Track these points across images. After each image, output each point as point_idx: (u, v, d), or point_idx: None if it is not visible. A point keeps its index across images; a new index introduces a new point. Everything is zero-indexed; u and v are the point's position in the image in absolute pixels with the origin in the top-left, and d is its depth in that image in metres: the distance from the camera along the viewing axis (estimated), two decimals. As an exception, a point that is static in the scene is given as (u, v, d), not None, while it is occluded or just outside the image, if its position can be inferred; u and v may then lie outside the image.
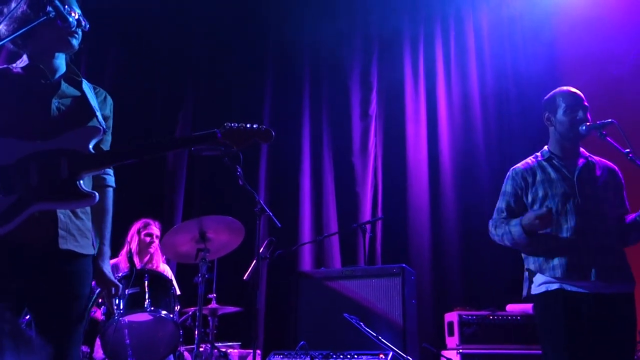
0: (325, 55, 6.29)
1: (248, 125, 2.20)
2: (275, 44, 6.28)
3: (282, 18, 5.95)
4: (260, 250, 4.02)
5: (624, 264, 2.86)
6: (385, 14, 6.26)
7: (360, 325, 3.81)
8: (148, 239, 4.55)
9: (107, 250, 2.21)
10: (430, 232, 5.60)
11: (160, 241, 4.49)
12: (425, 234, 5.60)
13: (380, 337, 3.72)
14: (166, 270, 4.62)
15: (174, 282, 4.39)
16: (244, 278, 4.08)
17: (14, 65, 2.18)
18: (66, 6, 2.10)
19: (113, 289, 2.18)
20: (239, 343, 4.70)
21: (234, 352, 4.50)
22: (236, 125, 2.19)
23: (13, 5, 2.08)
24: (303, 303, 4.28)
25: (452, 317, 4.48)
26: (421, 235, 5.60)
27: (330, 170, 6.00)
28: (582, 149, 3.08)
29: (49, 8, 2.00)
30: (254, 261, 3.99)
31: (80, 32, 2.17)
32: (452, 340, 4.46)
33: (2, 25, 2.06)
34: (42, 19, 2.00)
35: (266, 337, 5.40)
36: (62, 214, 2.04)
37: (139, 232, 4.56)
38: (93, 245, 2.16)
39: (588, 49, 5.37)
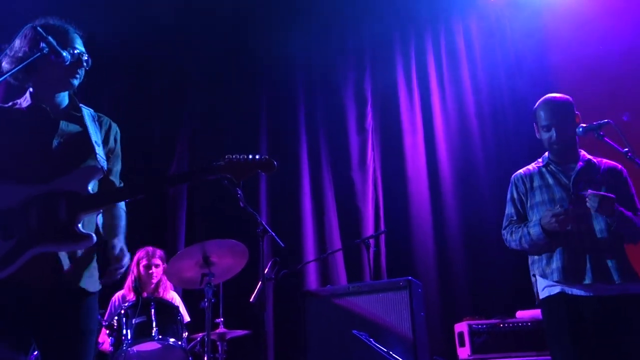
0: (318, 73, 6.33)
1: (250, 157, 2.18)
2: (267, 67, 6.31)
3: (272, 41, 5.98)
4: (265, 272, 4.01)
5: (624, 265, 2.81)
6: (375, 27, 6.30)
7: (370, 341, 3.77)
8: (147, 270, 4.51)
9: (119, 240, 2.18)
10: (434, 242, 5.58)
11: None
12: (429, 244, 5.58)
13: (391, 352, 3.69)
14: (174, 297, 4.60)
15: (183, 309, 4.37)
16: (250, 300, 4.05)
17: (18, 102, 2.20)
18: (70, 47, 2.13)
19: (117, 266, 2.13)
20: (249, 366, 4.66)
21: (244, 376, 4.46)
22: (237, 156, 2.16)
23: (17, 43, 2.11)
24: (311, 322, 4.25)
25: (462, 327, 4.45)
26: (425, 246, 5.58)
27: (330, 187, 6.00)
28: (583, 152, 3.08)
29: (42, 44, 2.03)
30: (260, 283, 3.97)
31: (82, 71, 2.19)
32: (464, 351, 4.42)
33: (4, 62, 2.09)
34: (36, 55, 2.03)
35: (276, 358, 5.35)
36: (63, 254, 2.05)
37: (137, 264, 4.54)
38: (99, 281, 2.16)
39: (581, 48, 5.40)
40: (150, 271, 4.50)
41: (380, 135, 6.10)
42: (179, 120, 6.15)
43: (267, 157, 2.20)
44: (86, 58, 2.20)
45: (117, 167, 2.30)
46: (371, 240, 4.99)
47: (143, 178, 2.17)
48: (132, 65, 6.02)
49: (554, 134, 3.00)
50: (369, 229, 5.70)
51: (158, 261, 4.56)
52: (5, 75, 1.93)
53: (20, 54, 2.09)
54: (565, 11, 5.68)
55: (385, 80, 6.20)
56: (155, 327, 3.72)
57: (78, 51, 2.17)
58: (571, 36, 5.54)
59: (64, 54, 2.07)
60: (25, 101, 2.20)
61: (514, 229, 3.08)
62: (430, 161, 5.85)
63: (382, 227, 5.68)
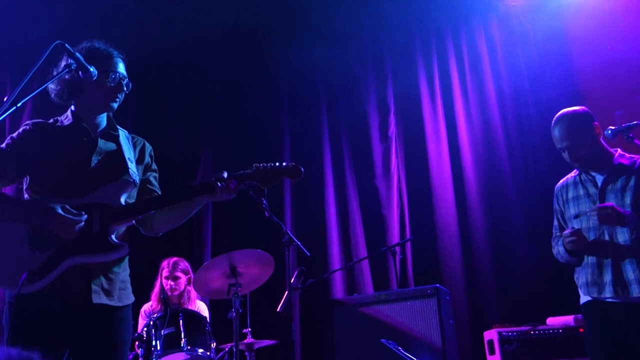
0: (339, 82, 6.34)
1: (276, 164, 2.24)
2: (288, 78, 6.34)
3: (292, 51, 6.01)
4: (292, 281, 4.01)
5: None
6: (395, 35, 6.30)
7: (399, 349, 3.74)
8: (170, 281, 4.55)
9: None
10: (461, 249, 5.52)
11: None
12: (456, 251, 5.52)
13: (420, 361, 3.66)
14: (201, 307, 4.62)
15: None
16: (278, 310, 4.06)
17: (60, 119, 2.29)
18: (112, 72, 2.22)
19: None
20: (278, 376, 4.65)
21: (273, 386, 4.45)
22: (264, 164, 2.22)
23: (62, 64, 2.19)
24: (339, 331, 4.23)
25: (491, 335, 4.39)
26: (452, 253, 5.53)
27: (354, 196, 5.99)
28: (618, 153, 2.97)
29: (70, 60, 2.08)
30: (286, 292, 3.97)
31: (122, 95, 2.28)
32: (494, 359, 4.35)
33: (52, 84, 2.20)
34: (64, 71, 2.09)
35: (304, 368, 5.34)
36: (95, 270, 2.12)
37: (160, 275, 4.58)
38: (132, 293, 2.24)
39: (604, 52, 5.32)
40: (171, 282, 4.52)
41: (403, 143, 6.07)
42: (201, 134, 6.20)
43: (293, 163, 2.26)
44: (126, 82, 2.28)
45: (154, 180, 2.41)
46: (397, 248, 4.96)
47: (175, 187, 2.22)
48: (150, 79, 6.09)
49: (568, 157, 2.99)
50: (395, 237, 5.67)
51: (179, 273, 4.58)
52: (32, 94, 1.98)
53: (77, 67, 2.15)
54: (588, 11, 5.59)
55: (407, 87, 6.18)
56: (184, 337, 3.74)
57: (119, 75, 2.25)
58: (595, 37, 5.46)
59: (91, 69, 2.12)
60: (66, 119, 2.29)
61: (554, 242, 3.13)
62: (455, 167, 5.80)
63: (408, 235, 5.64)
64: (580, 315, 3.80)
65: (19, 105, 1.87)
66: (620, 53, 5.23)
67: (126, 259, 2.26)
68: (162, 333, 3.74)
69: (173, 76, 6.19)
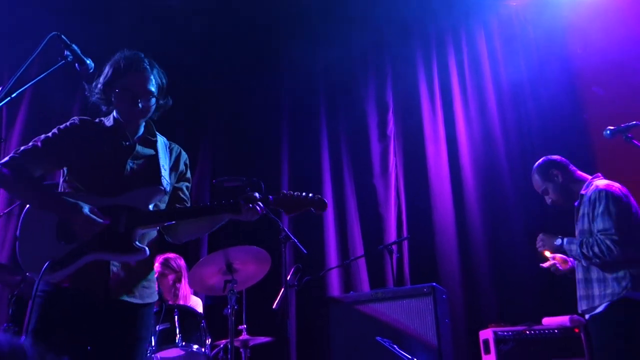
0: (339, 80, 6.32)
1: (303, 194, 2.35)
2: (288, 75, 6.33)
3: (292, 49, 6.00)
4: (288, 278, 4.00)
5: (588, 292, 3.21)
6: (396, 33, 6.29)
7: (394, 348, 3.74)
8: (161, 278, 4.51)
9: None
10: (458, 248, 5.51)
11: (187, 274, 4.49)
12: (453, 251, 5.51)
13: (415, 359, 3.65)
14: (197, 303, 4.60)
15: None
16: (273, 307, 4.04)
17: (104, 121, 2.38)
18: (127, 90, 2.28)
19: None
20: (273, 374, 4.65)
21: (267, 383, 4.44)
22: (291, 193, 2.33)
23: (105, 70, 2.32)
24: (334, 329, 4.23)
25: (487, 334, 4.38)
26: (449, 252, 5.52)
27: (352, 194, 5.98)
28: (587, 182, 3.35)
29: (67, 52, 2.08)
30: (282, 289, 3.96)
31: (147, 105, 2.32)
32: (489, 358, 4.35)
33: (95, 97, 2.36)
34: (60, 63, 2.08)
35: (299, 365, 5.33)
36: (117, 267, 2.18)
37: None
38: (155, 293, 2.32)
39: (605, 52, 5.31)
40: (163, 279, 4.49)
41: (402, 142, 6.06)
42: (201, 131, 6.18)
43: (319, 196, 2.38)
44: (148, 97, 2.32)
45: (186, 190, 2.48)
46: (394, 247, 4.96)
47: (203, 203, 2.36)
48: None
49: (547, 199, 3.53)
50: (392, 236, 5.66)
51: (168, 270, 4.53)
52: (27, 85, 1.97)
53: (108, 76, 2.30)
54: (589, 11, 5.58)
55: (406, 86, 6.17)
56: (179, 333, 3.73)
57: (133, 92, 2.29)
58: (596, 37, 5.45)
59: (88, 61, 2.13)
60: (108, 121, 2.38)
61: None
62: (453, 167, 5.79)
63: (405, 234, 5.63)
64: (575, 315, 3.84)
65: (13, 96, 1.86)
66: (621, 53, 5.22)
67: (152, 261, 2.34)
68: (157, 329, 3.72)
69: (172, 80, 6.16)
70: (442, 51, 6.24)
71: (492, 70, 6.03)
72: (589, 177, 3.38)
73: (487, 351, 4.38)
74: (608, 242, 3.06)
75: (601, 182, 3.24)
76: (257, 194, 2.28)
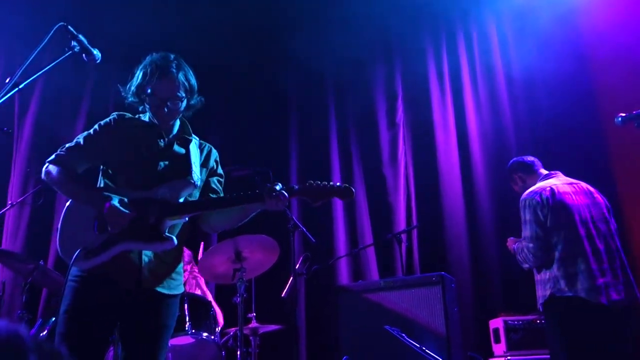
0: (347, 69, 6.29)
1: (329, 184, 2.38)
2: (296, 64, 6.30)
3: (300, 38, 5.96)
4: (297, 267, 4.01)
5: (537, 294, 3.50)
6: (405, 21, 6.23)
7: (403, 336, 3.75)
8: None
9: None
10: (468, 237, 5.49)
11: (197, 264, 4.52)
12: (462, 239, 5.49)
13: (424, 348, 3.66)
14: (207, 292, 4.64)
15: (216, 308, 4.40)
16: (282, 295, 4.06)
17: (141, 117, 2.48)
18: (151, 97, 2.36)
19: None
20: (282, 361, 4.68)
21: (277, 370, 4.47)
22: (317, 182, 2.37)
23: (136, 73, 2.42)
24: (343, 317, 4.24)
25: (497, 323, 4.38)
26: (458, 241, 5.50)
27: (361, 183, 5.96)
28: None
29: (73, 43, 2.09)
30: (291, 278, 3.98)
31: (173, 107, 2.39)
32: (499, 347, 4.35)
33: (129, 99, 2.44)
34: (67, 54, 2.09)
35: (308, 353, 5.36)
36: (148, 257, 2.29)
37: None
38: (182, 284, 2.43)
39: (617, 39, 5.23)
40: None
41: (411, 130, 6.03)
42: (209, 121, 6.18)
43: (346, 185, 2.42)
44: (175, 101, 2.39)
45: (217, 184, 2.58)
46: (403, 236, 4.95)
47: (230, 194, 2.38)
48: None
49: None
50: (401, 224, 5.65)
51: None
52: (35, 76, 1.98)
53: (139, 80, 2.39)
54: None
55: (415, 74, 6.13)
56: (189, 321, 3.76)
57: (158, 98, 2.36)
58: (608, 24, 5.37)
59: (95, 52, 2.14)
60: (145, 118, 2.48)
61: None
62: (462, 155, 5.75)
63: (415, 222, 5.62)
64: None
65: (21, 87, 1.87)
66: (633, 40, 5.14)
67: (181, 253, 2.43)
68: (167, 317, 3.75)
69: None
70: (452, 38, 6.18)
71: (502, 58, 5.97)
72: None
73: (497, 340, 4.38)
74: (526, 250, 3.42)
75: (530, 189, 3.52)
76: (279, 184, 2.33)
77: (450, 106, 5.95)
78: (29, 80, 1.87)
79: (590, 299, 3.19)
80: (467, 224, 5.53)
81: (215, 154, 2.62)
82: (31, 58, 1.88)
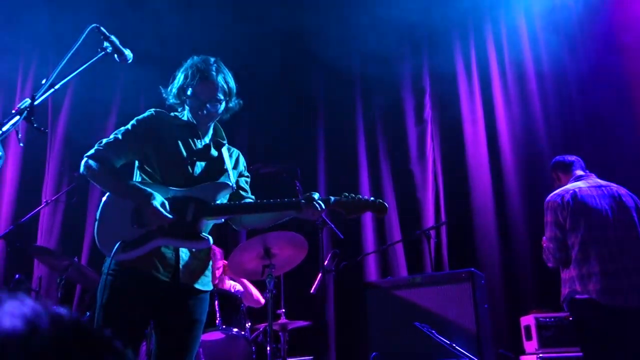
0: (375, 65, 6.26)
1: (364, 198, 2.43)
2: (323, 61, 6.30)
3: (328, 34, 5.96)
4: (325, 263, 4.02)
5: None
6: (431, 16, 6.17)
7: (433, 333, 3.73)
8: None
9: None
10: (498, 233, 5.43)
11: (226, 260, 4.57)
12: (492, 235, 5.43)
13: (454, 345, 3.64)
14: (235, 286, 4.69)
15: (254, 290, 4.45)
16: (311, 292, 4.08)
17: (179, 117, 2.54)
18: (191, 99, 2.44)
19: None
20: (311, 357, 4.70)
21: (306, 366, 4.50)
22: (352, 196, 2.42)
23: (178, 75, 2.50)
24: (372, 313, 4.24)
25: (528, 320, 4.33)
26: (488, 237, 5.44)
27: (388, 179, 5.95)
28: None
29: (106, 43, 2.13)
30: (320, 274, 3.99)
31: (212, 109, 2.46)
32: (531, 345, 4.30)
33: (170, 101, 2.54)
34: (100, 55, 2.13)
35: (337, 349, 5.38)
36: (184, 253, 2.36)
37: None
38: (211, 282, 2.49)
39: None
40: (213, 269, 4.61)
41: (439, 126, 5.98)
42: (237, 118, 6.21)
43: (380, 200, 2.46)
44: (215, 103, 2.46)
45: (245, 183, 2.65)
46: (432, 232, 4.92)
47: (267, 199, 2.43)
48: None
49: None
50: (430, 220, 5.62)
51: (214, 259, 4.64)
52: (69, 77, 2.03)
53: (180, 83, 2.47)
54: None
55: (443, 68, 6.07)
56: (219, 317, 3.81)
57: (201, 100, 2.43)
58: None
59: (126, 52, 2.17)
60: (183, 118, 2.55)
61: None
62: (492, 150, 5.68)
63: (443, 219, 5.58)
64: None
65: (56, 87, 1.92)
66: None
67: (210, 250, 2.49)
68: (198, 312, 3.80)
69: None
70: (480, 31, 6.10)
71: (532, 51, 5.86)
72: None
73: (529, 337, 4.33)
74: (547, 250, 3.57)
75: (555, 191, 3.61)
76: (316, 194, 2.39)
77: (479, 101, 5.88)
78: (64, 81, 1.91)
79: (602, 301, 3.26)
80: (497, 219, 5.47)
81: (243, 159, 2.70)
82: (66, 59, 1.92)
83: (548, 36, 5.85)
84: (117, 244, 2.22)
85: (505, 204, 5.51)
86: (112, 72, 5.74)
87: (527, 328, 4.35)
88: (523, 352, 4.39)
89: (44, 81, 1.89)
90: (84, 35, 2.03)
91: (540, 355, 4.16)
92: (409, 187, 5.84)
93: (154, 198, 2.26)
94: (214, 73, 2.44)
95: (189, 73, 2.45)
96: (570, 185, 3.58)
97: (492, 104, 5.83)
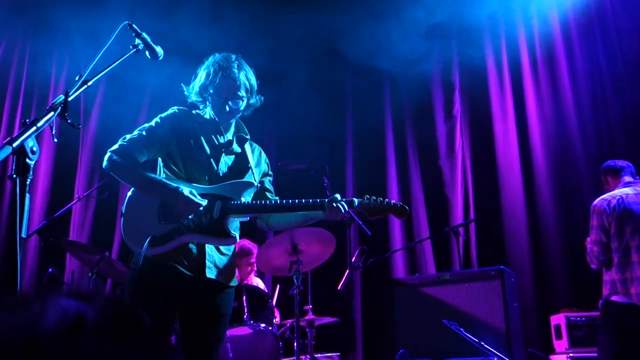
0: (404, 61, 6.21)
1: (386, 201, 2.45)
2: (351, 57, 6.28)
3: (356, 30, 5.94)
4: (353, 260, 4.02)
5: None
6: (461, 11, 6.09)
7: (461, 331, 3.69)
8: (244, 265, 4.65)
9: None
10: (528, 230, 5.34)
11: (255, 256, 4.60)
12: (522, 233, 5.35)
13: (482, 343, 3.60)
14: (259, 283, 4.72)
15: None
16: (339, 288, 4.08)
17: (202, 114, 2.57)
18: (212, 96, 2.47)
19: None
20: (338, 353, 4.70)
21: (333, 362, 4.50)
22: (374, 199, 2.44)
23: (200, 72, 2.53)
24: (399, 310, 4.22)
25: (558, 319, 4.27)
26: (519, 234, 5.36)
27: (417, 176, 5.91)
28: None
29: (137, 40, 2.16)
30: (347, 271, 3.99)
31: (234, 104, 2.48)
32: (561, 344, 4.23)
33: (192, 98, 2.57)
34: (132, 51, 2.16)
35: (364, 346, 5.37)
36: (210, 249, 2.40)
37: None
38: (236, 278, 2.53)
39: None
40: (245, 265, 4.64)
41: (469, 122, 5.91)
42: (266, 114, 6.24)
43: (401, 203, 2.48)
44: (236, 100, 2.48)
45: (270, 184, 2.68)
46: (461, 229, 4.88)
47: (292, 199, 2.45)
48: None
49: None
50: (458, 218, 5.57)
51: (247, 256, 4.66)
52: (102, 73, 2.06)
53: (202, 80, 2.50)
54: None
55: (473, 64, 5.99)
56: (247, 312, 3.83)
57: (223, 97, 2.45)
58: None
59: (158, 49, 2.19)
60: (205, 116, 2.58)
61: None
62: (522, 147, 5.59)
63: (472, 216, 5.52)
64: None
65: (89, 84, 1.95)
66: None
67: (234, 248, 2.52)
68: (226, 307, 3.84)
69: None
70: (511, 27, 6.00)
71: (565, 46, 5.74)
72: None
73: (559, 337, 4.27)
74: (590, 252, 3.67)
75: (602, 196, 3.68)
76: (339, 195, 2.40)
77: (510, 98, 5.79)
78: (97, 77, 1.94)
79: None
80: (528, 217, 5.38)
81: (265, 156, 2.72)
82: (99, 55, 1.95)
83: (581, 31, 5.71)
84: (148, 239, 2.25)
85: (536, 202, 5.42)
86: (143, 69, 5.83)
87: (558, 327, 4.29)
88: (553, 352, 4.33)
89: (77, 78, 1.92)
90: (116, 32, 2.06)
91: (571, 354, 4.09)
92: (438, 183, 5.80)
93: (183, 189, 2.29)
94: (235, 70, 2.46)
95: (211, 70, 2.47)
96: (618, 191, 3.65)
97: (524, 100, 5.73)
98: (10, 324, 0.48)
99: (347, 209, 2.38)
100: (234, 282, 2.49)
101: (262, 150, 2.73)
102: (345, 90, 6.33)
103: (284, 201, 2.47)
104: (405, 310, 4.20)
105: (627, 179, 3.74)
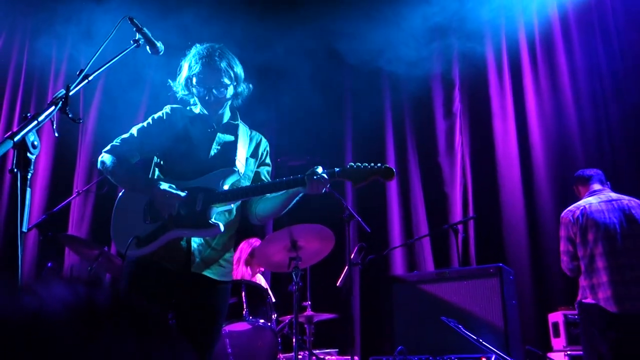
0: (403, 58, 6.20)
1: (369, 165, 2.35)
2: (351, 54, 6.26)
3: (355, 29, 5.92)
4: (352, 256, 4.02)
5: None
6: (462, 9, 6.08)
7: (460, 328, 3.70)
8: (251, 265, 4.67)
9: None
10: (527, 228, 5.35)
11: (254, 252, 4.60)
12: (521, 231, 5.36)
13: (480, 340, 3.61)
14: (261, 280, 4.72)
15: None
16: (337, 285, 4.08)
17: (192, 108, 2.56)
18: (195, 86, 2.44)
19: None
20: (337, 349, 4.71)
21: (332, 358, 4.52)
22: (357, 164, 2.35)
23: (182, 68, 2.50)
24: (398, 307, 4.23)
25: (556, 317, 4.28)
26: (517, 232, 5.37)
27: (416, 173, 5.91)
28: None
29: (138, 35, 2.15)
30: (346, 267, 3.99)
31: (219, 92, 2.44)
32: (559, 342, 4.25)
33: (179, 93, 2.54)
34: (132, 46, 2.15)
35: (363, 342, 5.39)
36: (198, 244, 2.37)
37: None
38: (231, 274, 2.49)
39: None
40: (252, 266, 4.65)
41: (468, 120, 5.91)
42: (265, 111, 6.25)
43: (386, 165, 2.38)
44: (220, 89, 2.44)
45: (265, 173, 2.62)
46: (460, 226, 4.88)
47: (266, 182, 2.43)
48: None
49: None
50: (457, 215, 5.57)
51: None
52: (103, 68, 2.05)
53: (186, 73, 2.47)
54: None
55: (473, 61, 5.99)
56: (246, 308, 3.83)
57: (204, 87, 2.43)
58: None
59: (158, 44, 2.18)
60: (196, 109, 2.55)
61: None
62: (522, 145, 5.59)
63: (471, 213, 5.53)
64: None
65: (90, 79, 1.94)
66: None
67: (231, 242, 2.50)
68: (225, 303, 3.84)
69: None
70: (511, 24, 5.99)
71: (565, 44, 5.74)
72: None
73: (557, 334, 4.28)
74: (561, 262, 3.84)
75: (569, 207, 3.85)
76: (320, 167, 2.33)
77: (509, 95, 5.79)
78: (98, 72, 1.93)
79: (609, 308, 3.47)
80: (527, 215, 5.39)
81: (265, 144, 2.66)
82: (100, 50, 1.94)
83: (581, 28, 5.71)
84: (130, 240, 2.25)
85: (535, 200, 5.43)
86: (143, 64, 5.82)
87: (555, 325, 4.30)
88: (551, 349, 4.34)
89: (78, 73, 1.92)
90: (117, 26, 2.05)
91: (568, 352, 4.11)
92: (437, 181, 5.80)
93: (159, 184, 2.29)
94: (217, 58, 2.43)
95: (193, 61, 2.45)
96: (583, 202, 3.81)
97: (523, 97, 5.73)
98: (14, 307, 0.48)
99: (327, 178, 2.29)
100: (228, 278, 2.46)
101: (263, 139, 2.67)
102: (345, 87, 6.32)
103: (264, 183, 2.45)
104: (404, 307, 4.21)
105: (596, 187, 3.89)
